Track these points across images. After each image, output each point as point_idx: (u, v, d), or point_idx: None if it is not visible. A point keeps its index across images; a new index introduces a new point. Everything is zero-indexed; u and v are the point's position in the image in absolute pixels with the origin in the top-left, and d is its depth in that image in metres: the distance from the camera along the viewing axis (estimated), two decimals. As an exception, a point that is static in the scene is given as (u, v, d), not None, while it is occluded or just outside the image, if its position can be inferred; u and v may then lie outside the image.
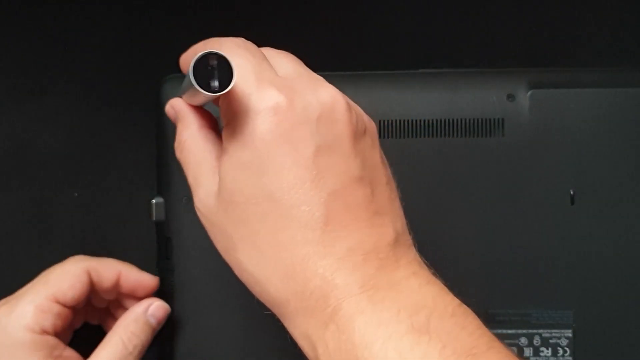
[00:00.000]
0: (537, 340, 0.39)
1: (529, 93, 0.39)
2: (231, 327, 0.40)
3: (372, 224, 0.28)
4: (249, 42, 0.31)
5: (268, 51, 0.31)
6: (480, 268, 0.39)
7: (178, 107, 0.33)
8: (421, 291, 0.28)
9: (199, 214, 0.31)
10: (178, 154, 0.32)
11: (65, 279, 0.36)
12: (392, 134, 0.39)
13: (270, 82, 0.28)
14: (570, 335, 0.39)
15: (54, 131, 0.45)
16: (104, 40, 0.46)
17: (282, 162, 0.28)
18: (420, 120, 0.39)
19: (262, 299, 0.29)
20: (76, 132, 0.45)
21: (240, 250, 0.29)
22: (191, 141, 0.31)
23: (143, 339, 0.37)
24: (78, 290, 0.36)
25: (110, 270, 0.38)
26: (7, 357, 0.34)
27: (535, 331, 0.39)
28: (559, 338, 0.39)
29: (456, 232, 0.39)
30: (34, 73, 0.46)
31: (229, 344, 0.40)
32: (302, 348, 0.29)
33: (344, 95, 0.30)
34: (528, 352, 0.39)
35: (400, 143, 0.39)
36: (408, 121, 0.39)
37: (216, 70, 0.26)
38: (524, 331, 0.39)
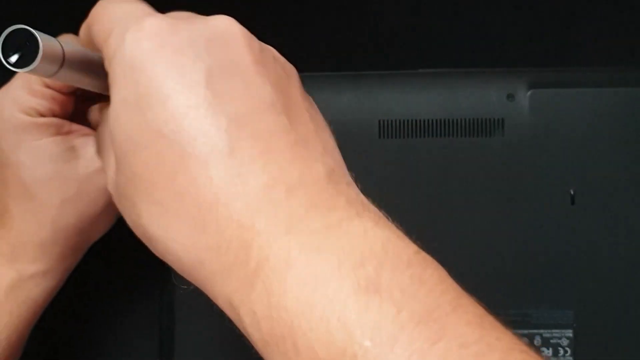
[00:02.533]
0: (537, 340, 0.39)
1: (529, 93, 0.39)
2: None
3: (294, 155, 0.23)
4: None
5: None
6: (481, 268, 0.39)
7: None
8: (367, 236, 0.22)
9: (115, 201, 0.26)
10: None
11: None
12: (391, 134, 0.39)
13: (151, 13, 0.25)
14: (570, 335, 0.39)
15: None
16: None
17: (167, 90, 0.23)
18: (420, 120, 0.39)
19: (176, 269, 0.24)
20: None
21: (144, 213, 0.24)
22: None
23: None
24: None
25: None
26: (11, 143, 0.31)
27: (535, 331, 0.39)
28: (560, 338, 0.39)
29: (456, 232, 0.39)
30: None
31: (227, 341, 0.40)
32: (228, 315, 0.23)
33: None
34: (528, 352, 0.39)
35: (400, 143, 0.39)
36: (408, 121, 0.39)
37: (27, 45, 0.24)
38: (525, 331, 0.39)
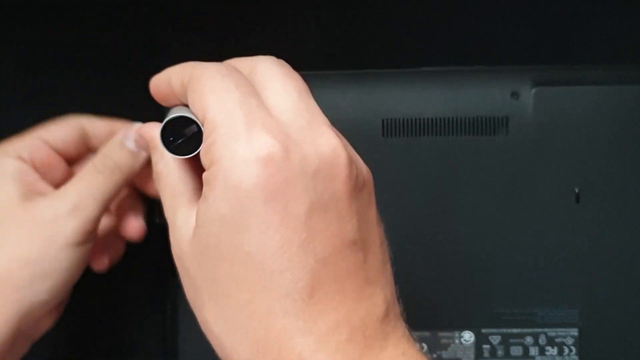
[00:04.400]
0: (542, 339, 0.39)
1: (533, 91, 0.39)
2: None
3: (362, 295, 0.24)
4: (236, 69, 0.26)
5: (264, 70, 0.27)
6: (485, 267, 0.39)
7: (149, 135, 0.30)
8: None
9: (173, 254, 0.27)
10: (157, 186, 0.29)
11: (58, 124, 0.36)
12: (395, 133, 0.39)
13: (263, 125, 0.24)
14: (576, 334, 0.39)
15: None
16: (108, 41, 0.46)
17: (268, 221, 0.23)
18: (423, 119, 0.39)
19: None
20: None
21: (209, 309, 0.25)
22: (167, 171, 0.28)
23: (117, 161, 0.33)
24: (68, 133, 0.35)
25: (106, 125, 0.36)
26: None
27: (540, 330, 0.39)
28: (565, 337, 0.39)
29: (461, 231, 0.39)
30: (36, 73, 0.46)
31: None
32: None
33: (346, 143, 0.26)
34: (534, 351, 0.39)
35: (404, 142, 0.39)
36: (411, 120, 0.39)
37: (186, 132, 0.26)
38: (530, 330, 0.39)
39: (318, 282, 0.24)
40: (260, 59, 0.27)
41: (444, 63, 0.40)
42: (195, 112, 0.26)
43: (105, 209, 0.34)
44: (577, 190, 0.39)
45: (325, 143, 0.25)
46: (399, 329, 0.26)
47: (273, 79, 0.26)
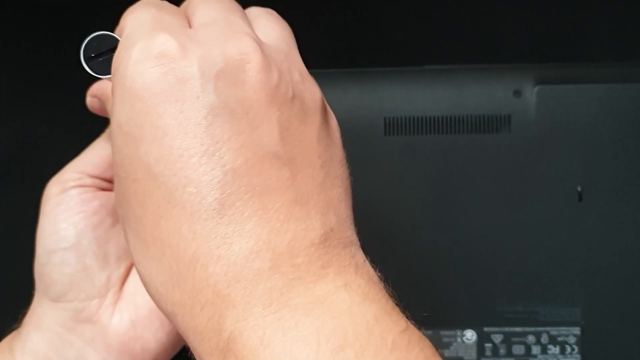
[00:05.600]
0: (544, 338, 0.39)
1: (536, 89, 0.39)
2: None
3: (289, 216, 0.21)
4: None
5: None
6: (487, 265, 0.39)
7: (102, 87, 0.29)
8: (352, 313, 0.20)
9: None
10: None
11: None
12: (397, 131, 0.39)
13: (165, 28, 0.22)
14: (578, 332, 0.39)
15: (58, 132, 0.45)
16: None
17: (163, 126, 0.21)
18: (426, 117, 0.39)
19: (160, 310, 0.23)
20: (81, 133, 0.45)
21: (130, 239, 0.23)
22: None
23: None
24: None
25: None
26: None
27: (542, 329, 0.39)
28: (567, 336, 0.39)
29: (463, 230, 0.39)
30: (37, 73, 0.46)
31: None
32: None
33: (273, 51, 0.23)
34: (536, 349, 0.39)
35: (406, 140, 0.39)
36: (414, 118, 0.39)
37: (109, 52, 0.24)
38: (532, 329, 0.39)
39: (229, 198, 0.21)
40: None
41: (447, 61, 0.40)
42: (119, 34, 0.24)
43: None
44: (579, 189, 0.39)
45: (235, 46, 0.22)
46: (345, 257, 0.22)
47: (201, 2, 0.24)
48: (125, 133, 0.22)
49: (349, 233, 0.23)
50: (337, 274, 0.21)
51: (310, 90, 0.24)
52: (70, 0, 0.46)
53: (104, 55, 0.24)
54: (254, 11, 0.26)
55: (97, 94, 0.30)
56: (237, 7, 0.25)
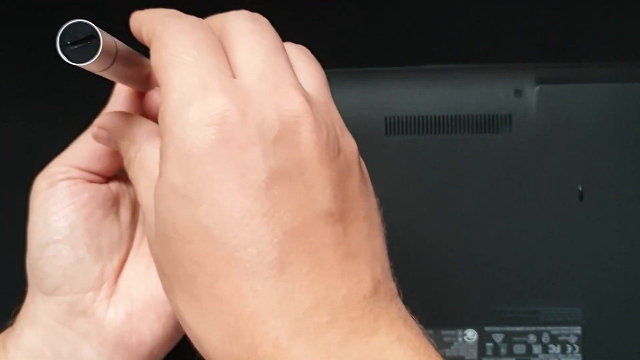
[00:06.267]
0: (545, 338, 0.39)
1: (537, 88, 0.39)
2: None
3: (343, 270, 0.22)
4: (206, 26, 0.24)
5: (232, 28, 0.24)
6: (488, 265, 0.39)
7: (112, 121, 0.28)
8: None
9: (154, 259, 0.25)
10: (130, 173, 0.27)
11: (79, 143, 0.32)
12: (398, 131, 0.39)
13: (219, 87, 0.22)
14: (579, 332, 0.39)
15: (58, 132, 0.45)
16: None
17: (224, 190, 0.21)
18: (426, 117, 0.39)
19: (202, 353, 0.23)
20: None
21: (179, 297, 0.23)
22: (141, 156, 0.26)
23: None
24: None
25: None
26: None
27: (543, 328, 0.39)
28: (568, 335, 0.39)
29: (464, 229, 0.39)
30: (36, 73, 0.46)
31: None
32: None
33: (318, 104, 0.24)
34: (537, 349, 0.39)
35: (407, 140, 0.39)
36: (414, 118, 0.39)
37: (86, 39, 0.24)
38: (533, 328, 0.39)
39: (288, 257, 0.21)
40: (232, 15, 0.25)
41: (447, 61, 0.40)
42: (155, 72, 0.24)
43: None
44: (580, 188, 0.39)
45: (289, 108, 0.22)
46: (393, 310, 0.23)
47: (242, 37, 0.24)
48: (182, 196, 0.22)
49: (392, 285, 0.24)
50: (389, 328, 0.22)
51: (349, 142, 0.24)
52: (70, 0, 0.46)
53: (79, 43, 0.24)
54: (293, 51, 0.26)
55: (107, 127, 0.28)
56: (280, 43, 0.25)
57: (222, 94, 0.22)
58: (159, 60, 0.23)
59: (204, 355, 0.23)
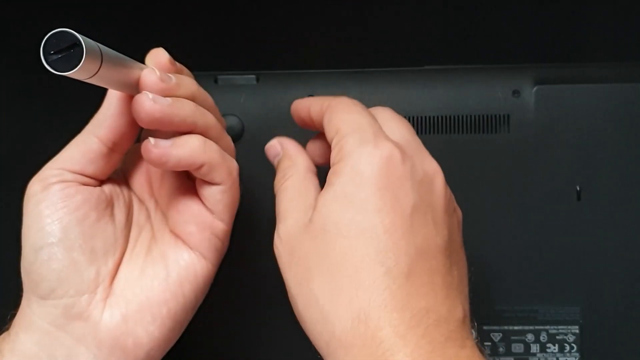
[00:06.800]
0: (544, 337, 0.39)
1: (535, 89, 0.39)
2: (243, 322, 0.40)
3: (447, 295, 0.28)
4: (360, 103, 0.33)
5: (384, 112, 0.33)
6: (487, 264, 0.39)
7: (289, 146, 0.34)
8: None
9: (278, 243, 0.31)
10: (278, 185, 0.33)
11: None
12: (397, 131, 0.39)
13: (387, 138, 0.30)
14: (577, 331, 0.39)
15: (57, 132, 0.45)
16: (108, 40, 0.46)
17: (382, 204, 0.28)
18: (425, 117, 0.39)
19: (319, 338, 0.29)
20: (78, 132, 0.45)
21: (317, 281, 0.29)
22: (295, 178, 0.32)
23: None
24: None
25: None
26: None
27: (542, 327, 0.39)
28: (566, 334, 0.39)
29: (462, 229, 0.39)
30: (36, 73, 0.46)
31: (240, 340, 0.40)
32: None
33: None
34: (535, 348, 0.39)
35: (406, 140, 0.39)
36: (413, 118, 0.39)
37: (69, 49, 0.24)
38: (531, 327, 0.39)
39: (414, 269, 0.28)
40: (380, 108, 0.33)
41: (446, 61, 0.41)
42: (329, 128, 0.31)
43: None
44: (578, 188, 0.39)
45: (429, 164, 0.31)
46: (474, 342, 0.29)
47: (391, 119, 0.32)
48: (348, 202, 0.29)
49: (469, 321, 0.30)
50: (473, 347, 0.28)
51: (458, 209, 0.32)
52: (70, 0, 0.46)
53: (63, 52, 0.24)
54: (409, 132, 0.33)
55: (285, 146, 0.35)
56: (411, 127, 0.33)
57: (390, 143, 0.30)
58: (337, 115, 0.31)
59: (324, 335, 0.28)
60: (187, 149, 0.29)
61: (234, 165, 0.31)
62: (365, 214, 0.28)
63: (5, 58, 0.46)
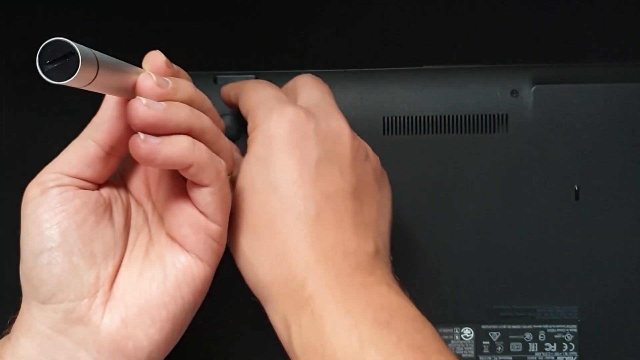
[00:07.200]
0: (542, 336, 0.39)
1: (533, 89, 0.39)
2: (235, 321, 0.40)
3: (356, 232, 0.32)
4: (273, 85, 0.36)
5: (300, 79, 0.36)
6: (485, 264, 0.39)
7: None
8: (389, 297, 0.30)
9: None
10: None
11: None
12: (396, 131, 0.40)
13: (291, 103, 0.34)
14: (575, 330, 0.39)
15: (56, 131, 0.45)
16: (108, 40, 0.46)
17: (289, 161, 0.32)
18: (424, 117, 0.39)
19: (251, 284, 0.32)
20: (79, 132, 0.45)
21: (243, 235, 0.32)
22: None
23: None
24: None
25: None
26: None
27: (540, 326, 0.39)
28: (564, 333, 0.39)
29: (461, 228, 0.39)
30: (36, 73, 0.46)
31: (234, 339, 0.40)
32: (277, 330, 0.31)
33: (353, 133, 0.34)
34: (533, 347, 0.39)
35: (404, 139, 0.40)
36: (412, 118, 0.39)
37: (64, 58, 0.24)
38: (529, 326, 0.39)
39: (322, 211, 0.31)
40: (299, 76, 0.37)
41: (445, 61, 0.41)
42: (243, 108, 0.35)
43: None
44: (576, 188, 0.39)
45: (334, 121, 0.34)
46: (386, 270, 0.32)
47: (304, 85, 0.36)
48: (260, 161, 0.32)
49: (388, 260, 0.33)
50: (381, 276, 0.31)
51: (376, 158, 0.35)
52: (70, 0, 0.46)
53: (59, 61, 0.24)
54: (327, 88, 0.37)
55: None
56: (327, 89, 0.36)
57: (294, 107, 0.33)
58: (246, 96, 0.36)
59: (254, 281, 0.32)
60: (177, 148, 0.29)
61: (222, 166, 0.31)
62: (276, 171, 0.32)
63: (5, 58, 0.46)
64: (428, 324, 0.30)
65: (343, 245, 0.31)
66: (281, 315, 0.31)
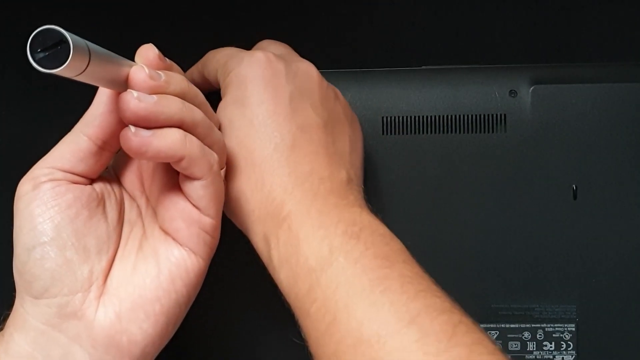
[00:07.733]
0: (540, 335, 0.39)
1: (531, 89, 0.39)
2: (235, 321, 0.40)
3: (330, 161, 0.34)
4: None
5: (263, 42, 0.39)
6: (484, 263, 0.39)
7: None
8: (361, 216, 0.32)
9: None
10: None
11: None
12: (394, 131, 0.40)
13: (260, 49, 0.36)
14: (573, 329, 0.39)
15: (56, 131, 0.45)
16: (107, 41, 0.46)
17: (264, 97, 0.34)
18: (423, 117, 0.39)
19: (235, 216, 0.34)
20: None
21: (236, 175, 0.34)
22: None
23: None
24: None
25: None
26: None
27: (538, 325, 0.39)
28: (562, 332, 0.39)
29: (459, 228, 0.39)
30: (36, 73, 0.46)
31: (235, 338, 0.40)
32: (258, 250, 0.34)
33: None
34: (531, 346, 0.39)
35: (403, 139, 0.40)
36: (410, 118, 0.39)
37: (55, 46, 0.24)
38: (527, 325, 0.39)
39: (297, 142, 0.33)
40: (263, 41, 0.39)
41: (443, 62, 0.41)
42: (210, 72, 0.37)
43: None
44: (574, 187, 0.39)
45: (303, 64, 0.36)
46: (359, 196, 0.34)
47: (269, 44, 0.38)
48: (237, 102, 0.34)
49: (361, 185, 0.36)
50: (354, 200, 0.33)
51: (343, 99, 0.38)
52: (70, 0, 0.46)
53: (50, 49, 0.24)
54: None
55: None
56: (289, 47, 0.39)
57: (261, 50, 0.35)
58: (211, 59, 0.38)
59: (237, 211, 0.34)
60: (167, 141, 0.29)
61: (214, 159, 0.31)
62: (252, 107, 0.34)
63: (5, 58, 0.46)
64: (396, 240, 0.32)
65: (318, 172, 0.33)
66: (261, 235, 0.33)
